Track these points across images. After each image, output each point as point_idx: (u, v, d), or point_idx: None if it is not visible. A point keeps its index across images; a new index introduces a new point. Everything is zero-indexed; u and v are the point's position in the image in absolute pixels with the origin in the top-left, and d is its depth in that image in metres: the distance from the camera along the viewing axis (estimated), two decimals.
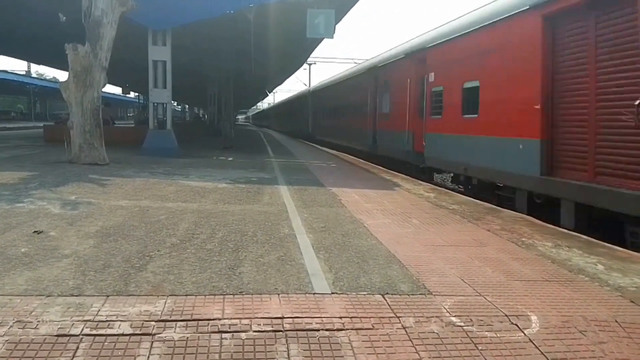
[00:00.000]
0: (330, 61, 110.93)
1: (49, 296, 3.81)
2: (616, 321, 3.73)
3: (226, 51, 24.63)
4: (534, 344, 3.33)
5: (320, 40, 21.18)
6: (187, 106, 77.17)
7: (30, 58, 44.04)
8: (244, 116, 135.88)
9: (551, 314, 3.83)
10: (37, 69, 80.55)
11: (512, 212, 8.56)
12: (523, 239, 6.38)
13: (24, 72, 64.36)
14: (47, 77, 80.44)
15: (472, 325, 3.59)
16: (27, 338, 3.12)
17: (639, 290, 4.45)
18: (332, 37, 16.33)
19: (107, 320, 3.40)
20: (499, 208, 8.89)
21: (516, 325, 3.61)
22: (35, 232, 5.75)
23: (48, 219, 6.45)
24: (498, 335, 3.45)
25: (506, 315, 3.77)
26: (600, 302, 4.15)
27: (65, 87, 13.12)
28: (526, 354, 3.21)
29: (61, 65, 27.38)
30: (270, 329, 3.40)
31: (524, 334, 3.48)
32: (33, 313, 3.48)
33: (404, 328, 3.50)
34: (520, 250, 5.78)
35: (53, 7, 16.07)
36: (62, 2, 15.16)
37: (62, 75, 50.98)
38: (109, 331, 3.26)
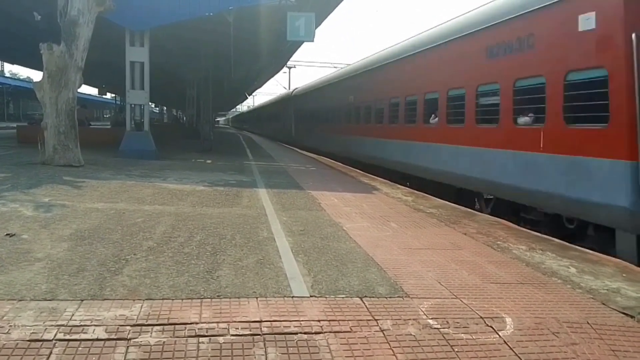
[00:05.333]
0: (311, 65, 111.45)
1: (21, 300, 3.73)
2: (588, 323, 3.82)
3: (205, 53, 24.45)
4: (508, 345, 3.39)
5: (301, 43, 21.24)
6: (165, 108, 76.25)
7: (3, 57, 43.02)
8: (224, 118, 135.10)
9: (525, 315, 3.91)
10: (10, 69, 78.73)
11: (487, 215, 8.70)
12: (498, 242, 6.48)
13: None
14: (21, 77, 78.67)
15: (449, 327, 3.64)
16: None
17: (610, 293, 4.57)
18: (312, 41, 16.38)
19: (81, 325, 3.35)
20: (474, 212, 9.01)
21: (491, 327, 3.67)
22: (7, 234, 5.62)
23: (20, 222, 6.31)
24: (473, 337, 3.50)
25: (481, 317, 3.83)
26: (573, 304, 4.24)
27: (40, 87, 12.86)
28: (501, 355, 3.26)
29: (36, 64, 26.80)
30: (248, 332, 3.39)
31: (499, 335, 3.54)
32: (5, 318, 3.40)
33: (382, 331, 3.52)
34: (496, 254, 5.88)
35: (28, 5, 15.76)
36: (38, 1, 14.88)
37: (36, 75, 49.84)
38: (83, 336, 3.20)
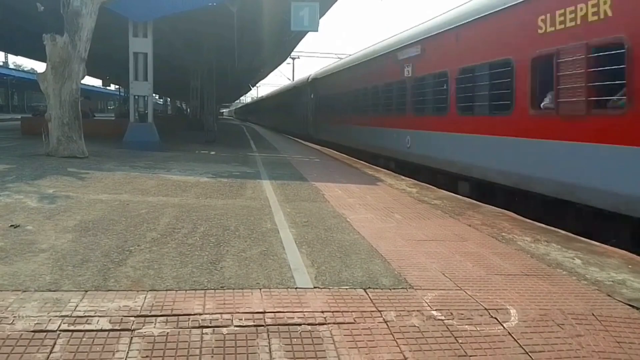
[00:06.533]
0: (314, 56, 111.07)
1: (25, 291, 3.74)
2: (593, 314, 3.80)
3: (209, 44, 24.38)
4: (512, 337, 3.38)
5: (305, 34, 21.10)
6: (169, 99, 76.25)
7: (7, 49, 42.95)
8: (227, 110, 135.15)
9: (530, 307, 3.89)
10: (14, 60, 78.91)
11: (492, 207, 8.66)
12: (503, 233, 6.46)
13: (1, 63, 62.96)
14: (25, 68, 78.75)
15: (453, 318, 3.62)
16: (3, 334, 3.06)
17: (615, 285, 4.54)
18: (316, 31, 16.27)
19: (85, 316, 3.35)
20: (479, 203, 8.98)
21: (495, 318, 3.66)
22: (11, 226, 5.63)
23: (25, 213, 6.32)
24: (478, 328, 3.49)
25: (486, 309, 3.81)
26: (578, 295, 4.22)
27: (43, 78, 12.84)
28: (505, 346, 3.25)
29: (39, 56, 26.78)
30: (252, 323, 3.39)
31: (503, 327, 3.52)
32: (9, 308, 3.41)
33: (386, 322, 3.52)
34: (500, 245, 5.86)
35: None
36: None
37: (40, 67, 49.88)
38: (87, 327, 3.21)
